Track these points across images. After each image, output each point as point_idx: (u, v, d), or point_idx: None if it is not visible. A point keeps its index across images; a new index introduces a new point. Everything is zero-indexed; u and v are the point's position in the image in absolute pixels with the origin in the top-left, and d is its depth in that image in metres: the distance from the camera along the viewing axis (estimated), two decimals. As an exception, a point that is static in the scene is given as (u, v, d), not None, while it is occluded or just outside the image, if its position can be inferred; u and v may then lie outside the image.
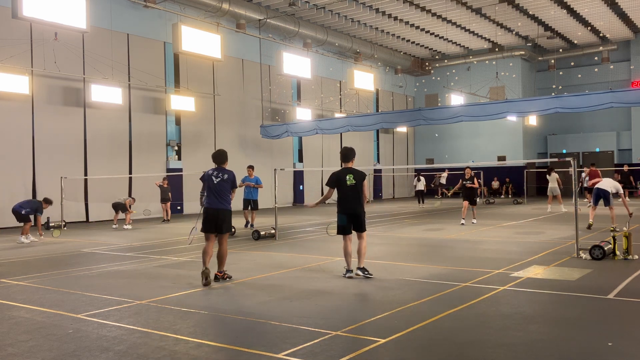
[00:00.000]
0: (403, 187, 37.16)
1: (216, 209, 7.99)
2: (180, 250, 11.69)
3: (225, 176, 8.11)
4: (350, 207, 8.15)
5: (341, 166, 8.42)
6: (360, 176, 8.20)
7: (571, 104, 18.72)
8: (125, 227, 17.33)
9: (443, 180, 31.64)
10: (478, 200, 16.55)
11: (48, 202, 14.74)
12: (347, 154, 8.36)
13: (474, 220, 16.23)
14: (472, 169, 16.29)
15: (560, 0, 25.96)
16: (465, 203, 16.13)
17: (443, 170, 32.17)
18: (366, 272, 8.04)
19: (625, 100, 18.03)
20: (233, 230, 14.36)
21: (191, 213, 22.40)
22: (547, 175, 20.68)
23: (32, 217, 14.26)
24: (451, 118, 21.29)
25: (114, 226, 17.55)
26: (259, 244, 12.39)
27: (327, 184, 8.41)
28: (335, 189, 8.29)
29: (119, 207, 17.74)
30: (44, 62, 18.26)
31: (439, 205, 25.66)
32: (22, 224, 14.16)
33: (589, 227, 13.77)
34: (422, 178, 26.03)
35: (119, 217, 17.84)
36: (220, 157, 8.29)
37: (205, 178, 8.22)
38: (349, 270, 8.11)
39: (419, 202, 25.94)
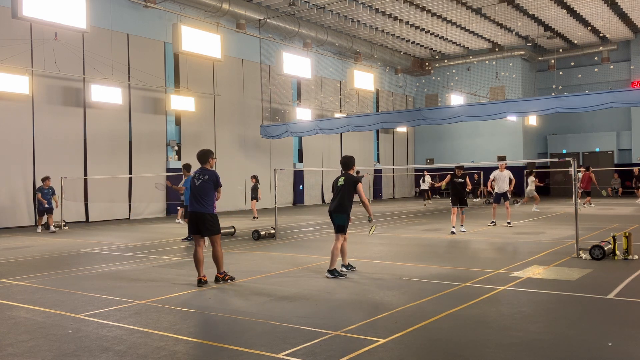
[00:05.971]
0: (403, 187, 37.14)
1: (197, 212, 7.76)
2: (180, 250, 11.70)
3: (207, 177, 7.79)
4: (330, 206, 8.54)
5: (341, 173, 8.76)
6: (349, 179, 8.42)
7: (571, 104, 18.72)
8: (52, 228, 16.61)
9: (426, 185, 31.80)
10: (479, 200, 15.36)
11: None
12: (346, 163, 8.62)
13: (463, 228, 13.97)
14: (472, 169, 15.76)
15: (560, 0, 25.96)
16: (454, 209, 13.68)
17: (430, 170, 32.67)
18: (335, 274, 8.12)
19: (625, 100, 18.01)
20: (233, 230, 14.36)
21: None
22: (527, 179, 22.09)
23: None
24: (451, 118, 21.30)
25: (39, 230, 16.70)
26: (259, 244, 12.39)
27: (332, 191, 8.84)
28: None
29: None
30: (44, 62, 18.25)
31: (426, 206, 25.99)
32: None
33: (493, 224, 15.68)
34: (426, 179, 26.37)
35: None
36: (202, 157, 7.98)
37: (189, 181, 7.91)
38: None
39: (424, 199, 27.14)
